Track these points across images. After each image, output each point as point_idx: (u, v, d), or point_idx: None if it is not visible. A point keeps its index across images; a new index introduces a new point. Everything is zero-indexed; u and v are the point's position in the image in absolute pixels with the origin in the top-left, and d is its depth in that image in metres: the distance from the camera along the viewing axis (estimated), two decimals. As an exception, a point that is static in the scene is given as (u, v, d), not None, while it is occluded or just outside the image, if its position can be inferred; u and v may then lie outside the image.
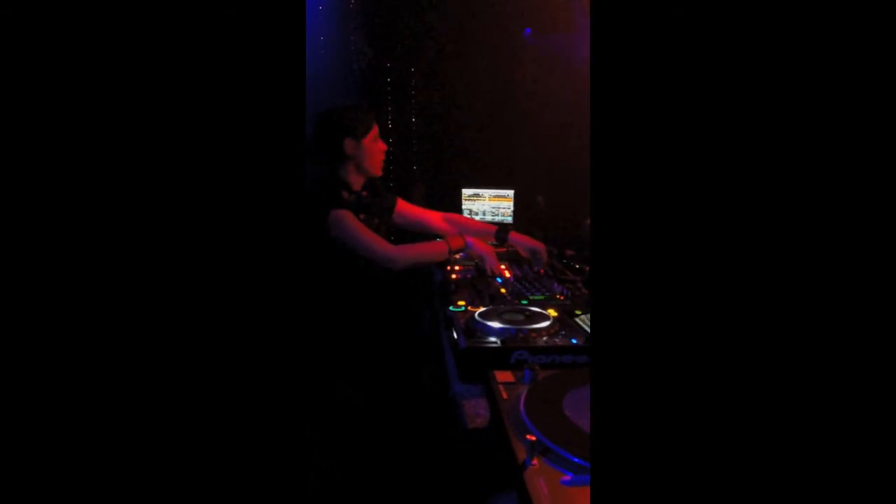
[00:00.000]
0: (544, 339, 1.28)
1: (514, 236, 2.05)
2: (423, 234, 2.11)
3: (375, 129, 1.83)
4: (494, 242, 2.07)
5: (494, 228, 2.11)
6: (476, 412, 1.08)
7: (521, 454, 0.79)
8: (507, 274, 1.95)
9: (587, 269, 2.06)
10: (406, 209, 2.08)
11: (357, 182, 1.85)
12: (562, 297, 1.69)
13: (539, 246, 2.02)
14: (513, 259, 2.29)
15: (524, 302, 1.63)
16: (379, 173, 1.86)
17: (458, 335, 1.31)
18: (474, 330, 1.33)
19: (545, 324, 1.34)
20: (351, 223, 1.71)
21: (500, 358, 1.21)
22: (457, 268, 2.07)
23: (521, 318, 1.38)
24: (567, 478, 0.73)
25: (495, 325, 1.32)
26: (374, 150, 1.82)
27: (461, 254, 1.92)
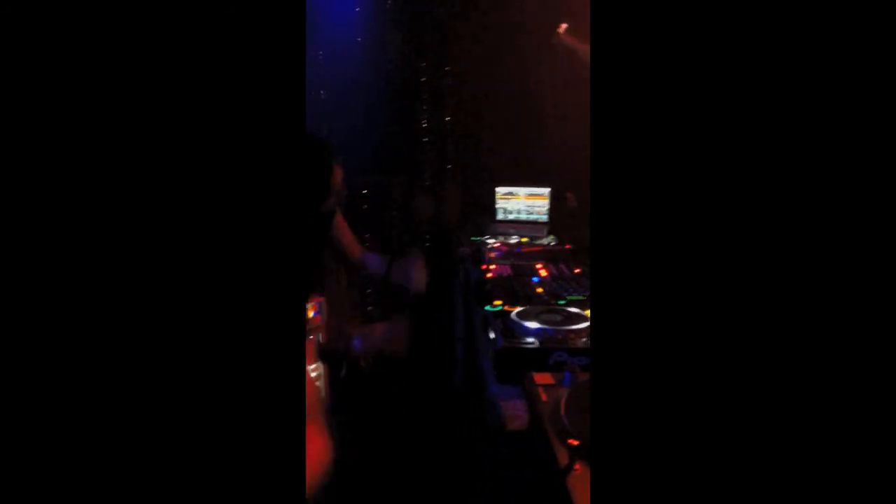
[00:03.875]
0: (584, 339, 1.26)
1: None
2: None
3: (332, 185, 1.62)
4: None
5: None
6: (514, 413, 1.06)
7: (563, 458, 0.77)
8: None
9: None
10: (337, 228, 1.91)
11: None
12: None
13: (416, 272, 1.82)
14: (549, 258, 2.26)
15: (561, 302, 1.61)
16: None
17: (494, 335, 1.30)
18: (511, 330, 1.32)
19: (584, 325, 1.31)
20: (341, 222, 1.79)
21: (538, 359, 1.19)
22: (492, 267, 2.06)
23: (558, 318, 1.36)
24: (611, 484, 0.71)
25: (533, 325, 1.31)
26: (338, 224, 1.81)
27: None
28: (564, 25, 2.94)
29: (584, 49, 2.73)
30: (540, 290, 1.75)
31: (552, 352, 1.19)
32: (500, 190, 3.08)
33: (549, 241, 2.73)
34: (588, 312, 1.41)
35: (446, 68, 3.21)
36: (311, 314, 2.70)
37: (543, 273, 1.97)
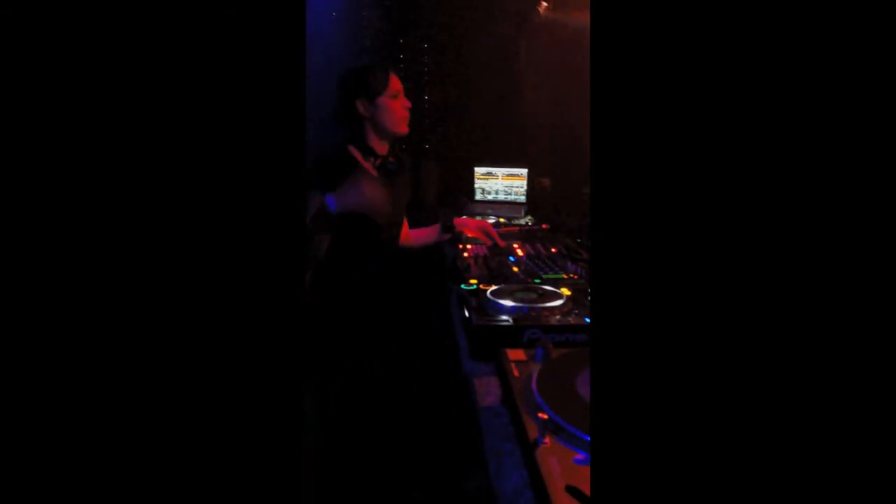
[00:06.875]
0: (557, 317, 1.26)
1: (459, 221, 2.09)
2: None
3: (393, 86, 1.71)
4: (442, 234, 2.11)
5: (437, 226, 2.12)
6: (487, 390, 1.06)
7: (533, 432, 0.77)
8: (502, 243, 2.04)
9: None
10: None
11: (381, 147, 1.75)
12: (576, 277, 1.66)
13: (485, 224, 2.09)
14: (525, 238, 2.26)
15: (537, 281, 1.61)
16: (402, 131, 1.74)
17: (469, 313, 1.29)
18: (486, 308, 1.31)
19: (558, 302, 1.31)
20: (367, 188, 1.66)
21: (512, 336, 1.19)
22: (469, 246, 2.05)
23: (533, 296, 1.36)
24: (580, 457, 0.71)
25: (507, 303, 1.30)
26: (391, 106, 1.70)
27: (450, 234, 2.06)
28: (545, 4, 2.91)
29: (573, 17, 2.74)
30: (516, 269, 1.75)
31: (526, 329, 1.19)
32: (478, 170, 3.07)
33: (526, 221, 2.73)
34: (564, 290, 1.41)
35: (424, 45, 3.16)
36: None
37: (520, 252, 1.97)
